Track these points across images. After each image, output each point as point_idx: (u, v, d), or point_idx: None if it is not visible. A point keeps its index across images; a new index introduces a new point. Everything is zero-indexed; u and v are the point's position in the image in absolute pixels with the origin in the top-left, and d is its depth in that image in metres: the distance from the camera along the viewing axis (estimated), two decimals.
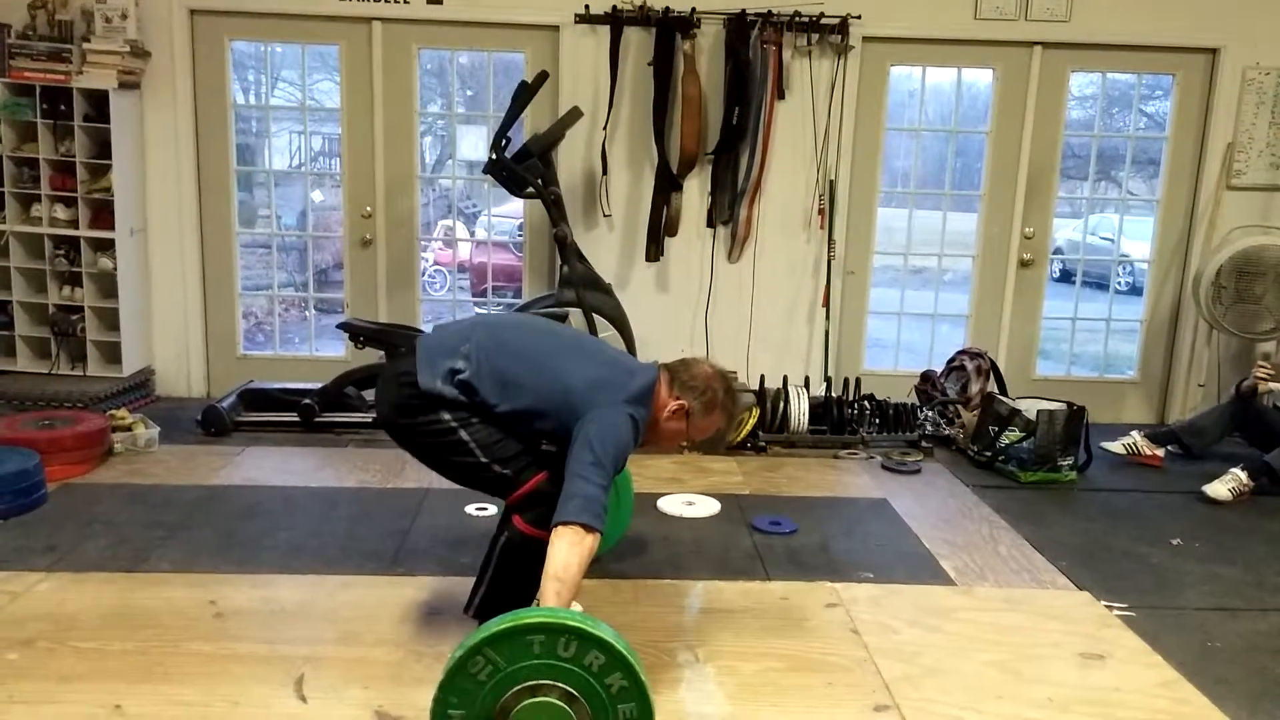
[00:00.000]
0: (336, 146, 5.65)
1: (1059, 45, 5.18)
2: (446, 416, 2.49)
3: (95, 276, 4.97)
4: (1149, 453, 4.68)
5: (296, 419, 4.73)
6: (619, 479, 2.72)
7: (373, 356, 4.94)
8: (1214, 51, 5.20)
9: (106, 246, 4.93)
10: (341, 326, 4.96)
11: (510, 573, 2.55)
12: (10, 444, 3.81)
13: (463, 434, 2.49)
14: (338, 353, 5.45)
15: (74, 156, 4.83)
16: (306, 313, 5.90)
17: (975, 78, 5.53)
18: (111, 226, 4.89)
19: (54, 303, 4.98)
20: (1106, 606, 3.13)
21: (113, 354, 5.02)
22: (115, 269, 4.92)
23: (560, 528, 2.27)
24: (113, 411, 4.47)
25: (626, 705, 2.01)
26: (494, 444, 2.50)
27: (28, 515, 3.54)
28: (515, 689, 2.00)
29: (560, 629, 1.99)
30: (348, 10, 5.02)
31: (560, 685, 2.00)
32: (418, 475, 4.14)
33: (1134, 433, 4.77)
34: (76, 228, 4.91)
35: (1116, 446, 4.72)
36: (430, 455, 2.60)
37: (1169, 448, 4.74)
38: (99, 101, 4.81)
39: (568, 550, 2.24)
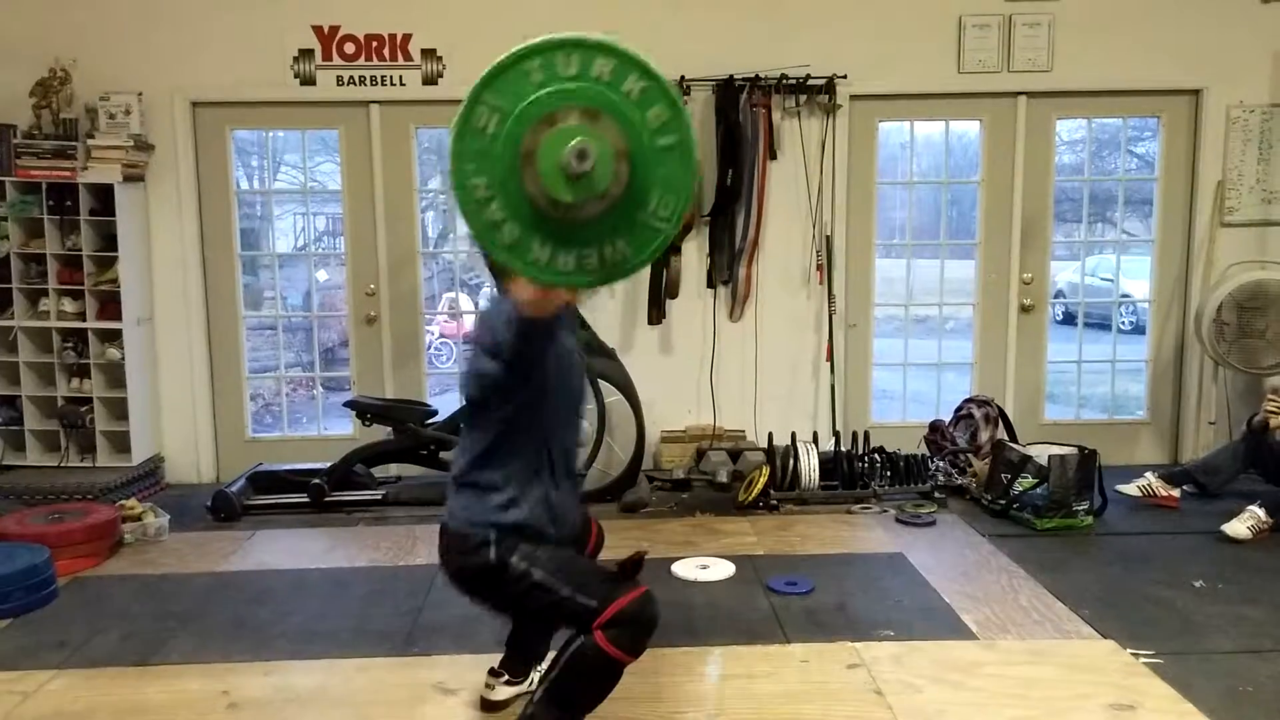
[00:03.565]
0: (339, 226, 5.73)
1: (1043, 94, 5.26)
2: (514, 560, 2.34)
3: (103, 367, 5.01)
4: (1164, 494, 4.64)
5: (306, 499, 4.72)
6: None
7: (381, 433, 4.95)
8: (1197, 92, 5.27)
9: (114, 337, 4.98)
10: (349, 405, 4.99)
11: (574, 686, 2.35)
12: (20, 539, 3.81)
13: (535, 573, 2.33)
14: (346, 431, 5.46)
15: (80, 250, 4.91)
16: (314, 392, 5.92)
17: (964, 128, 5.61)
18: (118, 317, 4.95)
19: (62, 395, 5.01)
20: (1133, 654, 3.07)
21: (122, 443, 5.03)
22: (123, 359, 4.96)
23: None
24: (122, 502, 4.46)
25: (654, 108, 1.84)
26: (568, 571, 2.35)
27: (38, 612, 3.51)
28: (530, 128, 1.80)
29: (554, 45, 1.83)
30: (345, 95, 5.14)
31: (576, 106, 1.81)
32: (429, 552, 4.12)
33: (1148, 474, 4.74)
34: (84, 320, 4.96)
35: (1131, 489, 4.69)
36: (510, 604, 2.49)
37: (1184, 488, 4.70)
38: (104, 195, 4.89)
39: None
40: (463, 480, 2.45)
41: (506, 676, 2.78)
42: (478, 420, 2.41)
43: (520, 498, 2.38)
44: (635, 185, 1.85)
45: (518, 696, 2.73)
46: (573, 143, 1.78)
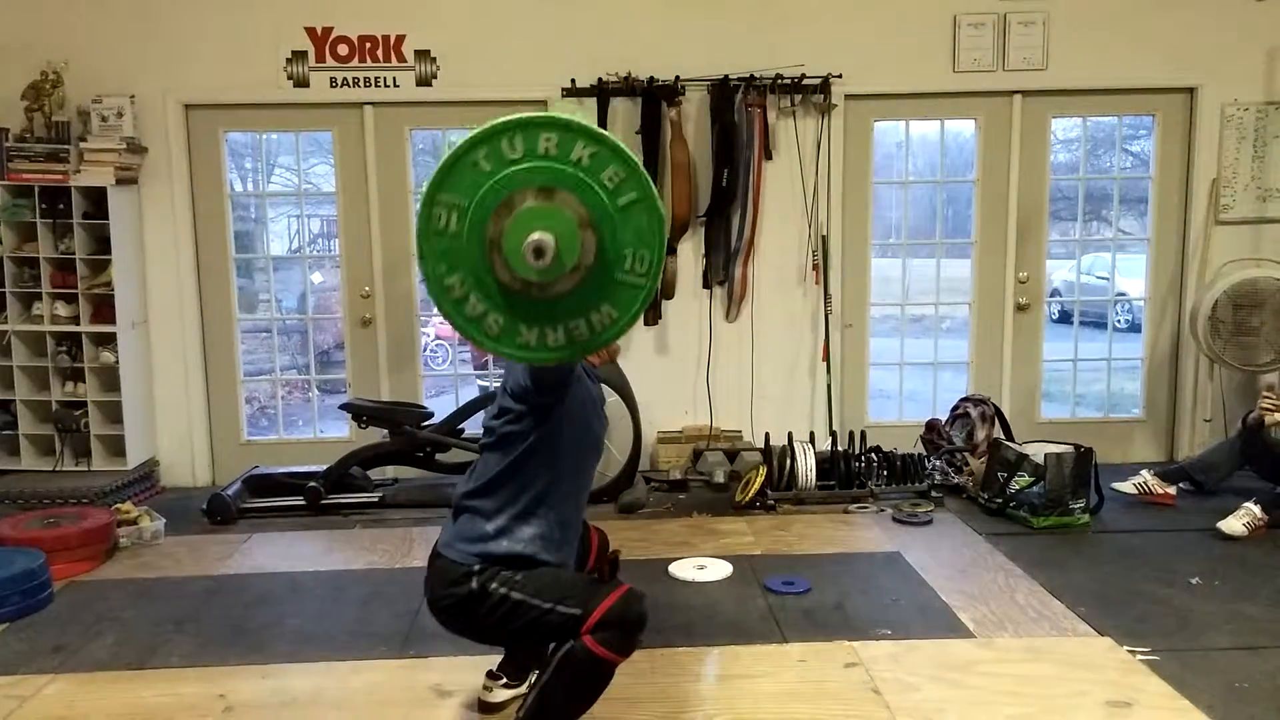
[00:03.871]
0: (334, 228, 5.72)
1: (1038, 93, 5.26)
2: (494, 587, 2.35)
3: (97, 371, 4.99)
4: (1160, 491, 4.65)
5: (302, 502, 4.71)
6: None
7: (377, 436, 4.94)
8: (1192, 90, 5.28)
9: (108, 341, 4.96)
10: (344, 407, 4.98)
11: (565, 688, 2.34)
12: (15, 544, 3.79)
13: (514, 595, 2.34)
14: (342, 433, 5.45)
15: (74, 254, 4.89)
16: (309, 395, 5.91)
17: (959, 127, 5.62)
18: (112, 320, 4.93)
19: (57, 399, 4.99)
20: (1130, 651, 3.07)
21: (116, 447, 5.02)
22: (117, 362, 4.95)
23: None
24: (118, 506, 4.45)
25: (606, 169, 1.86)
26: (548, 586, 2.35)
27: (34, 616, 3.50)
28: (490, 217, 1.83)
29: (497, 131, 1.84)
30: (339, 97, 5.12)
31: (530, 187, 1.84)
32: (425, 554, 4.11)
33: (1144, 472, 4.74)
34: (78, 323, 4.95)
35: (1127, 486, 4.69)
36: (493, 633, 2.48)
37: (1180, 485, 4.70)
38: (97, 198, 4.88)
39: None
40: (461, 504, 2.47)
41: (505, 679, 2.78)
42: (494, 449, 2.43)
43: (513, 529, 2.39)
44: (606, 249, 1.88)
45: (515, 699, 2.73)
46: (528, 240, 1.80)
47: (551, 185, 1.85)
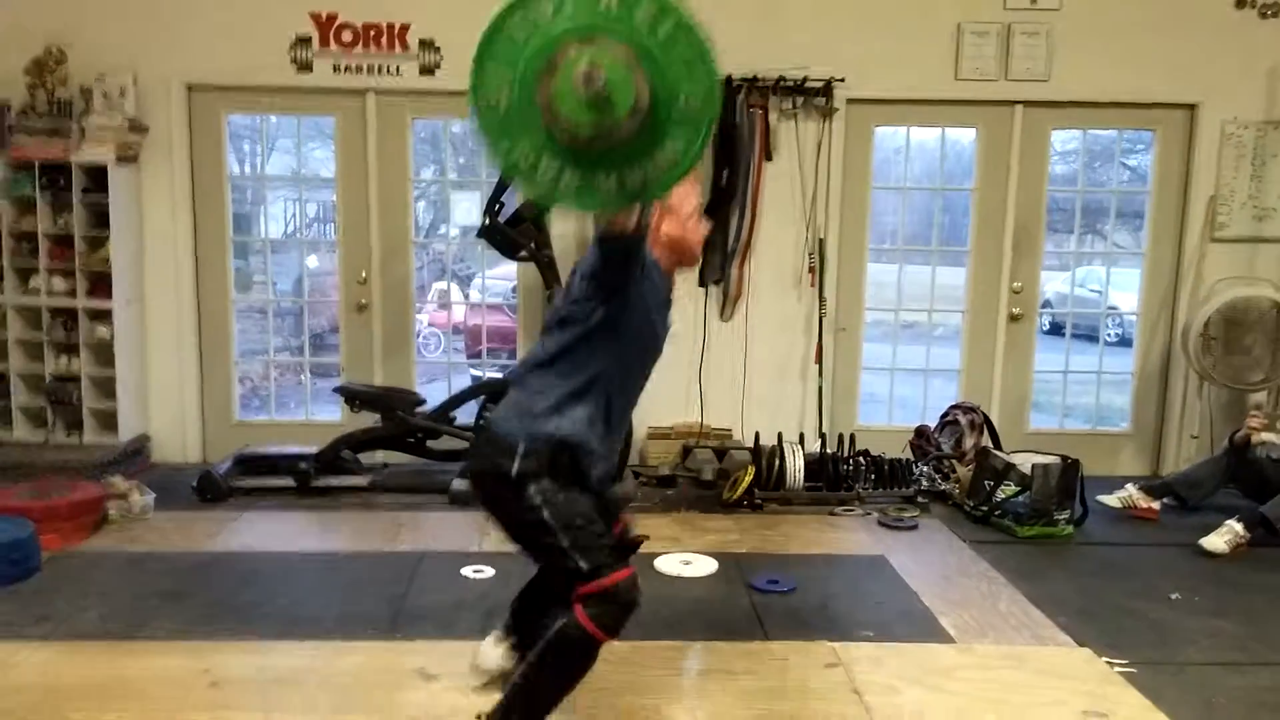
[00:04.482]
0: (332, 212, 5.73)
1: (1039, 104, 5.29)
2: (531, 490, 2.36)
3: (92, 346, 5.00)
4: (1144, 506, 4.68)
5: (293, 483, 4.72)
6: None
7: (368, 420, 4.95)
8: (1192, 107, 5.31)
9: (103, 316, 4.97)
10: (337, 390, 4.99)
11: (556, 667, 2.36)
12: (5, 513, 3.80)
13: (545, 512, 2.35)
14: (334, 417, 5.46)
15: (72, 230, 4.89)
16: (302, 377, 5.92)
17: (959, 135, 5.64)
18: (109, 296, 4.94)
19: (51, 373, 5.00)
20: (1108, 663, 3.11)
21: (109, 422, 5.03)
22: (112, 338, 4.95)
23: None
24: (108, 479, 4.46)
25: (638, 9, 1.89)
26: (575, 527, 2.36)
27: (21, 585, 3.51)
28: (538, 82, 1.86)
29: (518, 1, 1.89)
30: (342, 83, 5.13)
31: (570, 41, 1.86)
32: (414, 538, 4.16)
33: (1129, 485, 4.77)
34: (74, 299, 4.95)
35: (1112, 500, 4.72)
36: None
37: (1164, 500, 4.73)
38: (98, 175, 4.88)
39: None
40: (517, 378, 2.50)
41: (515, 639, 2.70)
42: (556, 330, 2.45)
43: (565, 408, 2.39)
44: (657, 88, 1.89)
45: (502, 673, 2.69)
46: (576, 71, 1.83)
47: (590, 33, 1.86)
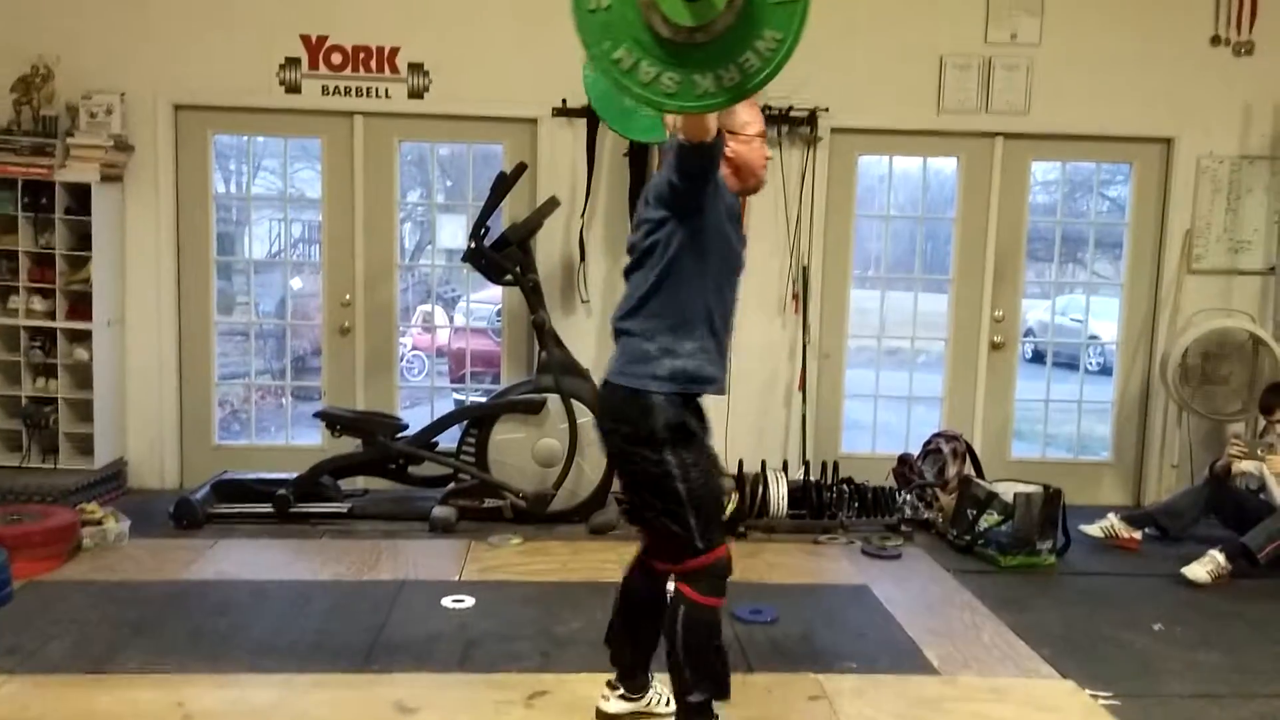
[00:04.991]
0: (316, 233, 5.70)
1: (1019, 136, 5.35)
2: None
3: (70, 368, 4.94)
4: (1126, 535, 4.69)
5: (271, 510, 4.66)
6: None
7: (349, 445, 4.91)
8: (1169, 141, 5.38)
9: (83, 338, 4.91)
10: (319, 415, 4.95)
11: (702, 646, 2.47)
12: None
13: (677, 479, 2.44)
14: (314, 441, 5.41)
15: (54, 249, 4.85)
16: (283, 401, 5.87)
17: (941, 165, 5.69)
18: (88, 317, 4.88)
19: (27, 394, 4.93)
20: (1091, 695, 3.10)
21: (85, 446, 4.96)
22: (90, 360, 4.90)
23: None
24: (83, 505, 4.39)
25: None
26: (705, 505, 2.45)
27: None
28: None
29: None
30: (330, 105, 5.12)
31: None
32: (393, 567, 4.11)
33: (1111, 515, 4.78)
34: (53, 319, 4.90)
35: (1094, 529, 4.73)
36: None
37: (1146, 530, 4.74)
38: (81, 194, 4.84)
39: None
40: (619, 329, 2.53)
41: (622, 690, 2.78)
42: (639, 268, 2.49)
43: (674, 345, 2.44)
44: None
45: (631, 715, 2.76)
46: None
47: None
